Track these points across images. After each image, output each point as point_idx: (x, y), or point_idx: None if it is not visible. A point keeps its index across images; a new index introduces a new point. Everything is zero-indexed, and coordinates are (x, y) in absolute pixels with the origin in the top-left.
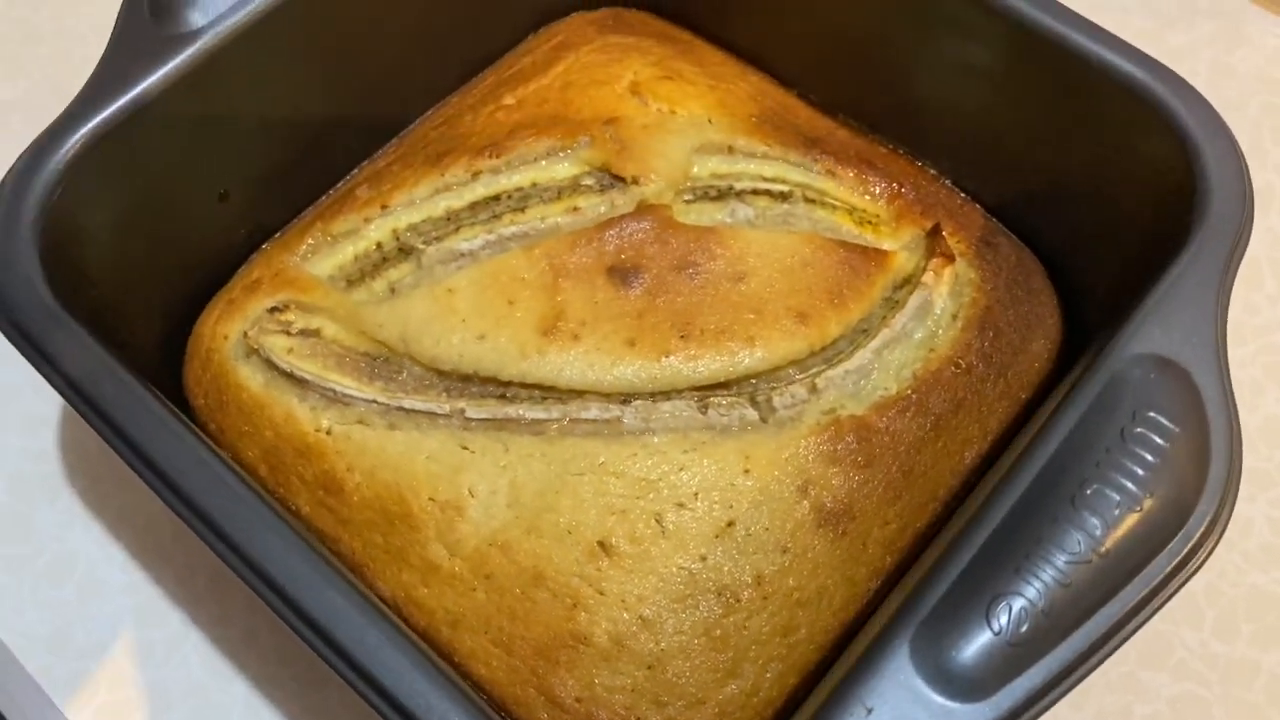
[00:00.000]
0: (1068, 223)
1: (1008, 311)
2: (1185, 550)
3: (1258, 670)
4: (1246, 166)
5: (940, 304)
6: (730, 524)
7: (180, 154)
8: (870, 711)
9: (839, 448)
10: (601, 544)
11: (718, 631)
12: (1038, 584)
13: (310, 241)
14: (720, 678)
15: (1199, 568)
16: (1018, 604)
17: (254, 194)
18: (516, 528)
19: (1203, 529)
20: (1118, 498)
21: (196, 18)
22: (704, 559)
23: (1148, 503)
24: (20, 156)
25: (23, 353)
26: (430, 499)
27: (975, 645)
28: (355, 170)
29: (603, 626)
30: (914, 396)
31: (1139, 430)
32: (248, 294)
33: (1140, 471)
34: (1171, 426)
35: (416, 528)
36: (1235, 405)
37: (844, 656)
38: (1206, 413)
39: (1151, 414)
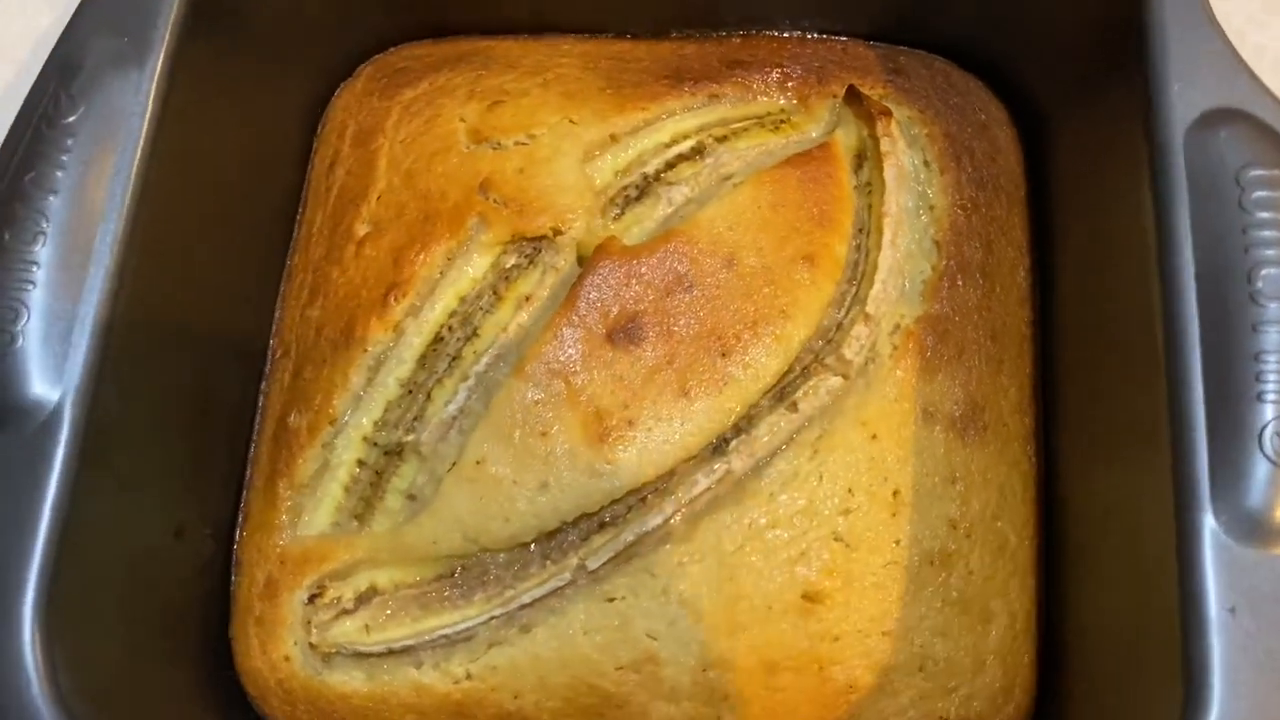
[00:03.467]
0: (955, 13)
1: (963, 127)
2: None
3: None
4: None
5: (908, 160)
6: (895, 493)
7: (121, 528)
8: (1234, 610)
9: (928, 356)
10: (805, 596)
11: (953, 594)
12: (1276, 393)
13: (287, 505)
14: (982, 630)
15: None
16: (1276, 425)
17: (195, 503)
18: (720, 636)
19: None
20: None
21: (47, 393)
22: (898, 543)
23: None
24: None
25: None
26: (618, 669)
27: (1273, 486)
28: (260, 402)
29: (857, 666)
30: (950, 263)
31: (1255, 194)
32: (271, 601)
33: None
34: (1273, 171)
35: (624, 703)
36: None
37: (1090, 542)
38: None
39: (1251, 172)
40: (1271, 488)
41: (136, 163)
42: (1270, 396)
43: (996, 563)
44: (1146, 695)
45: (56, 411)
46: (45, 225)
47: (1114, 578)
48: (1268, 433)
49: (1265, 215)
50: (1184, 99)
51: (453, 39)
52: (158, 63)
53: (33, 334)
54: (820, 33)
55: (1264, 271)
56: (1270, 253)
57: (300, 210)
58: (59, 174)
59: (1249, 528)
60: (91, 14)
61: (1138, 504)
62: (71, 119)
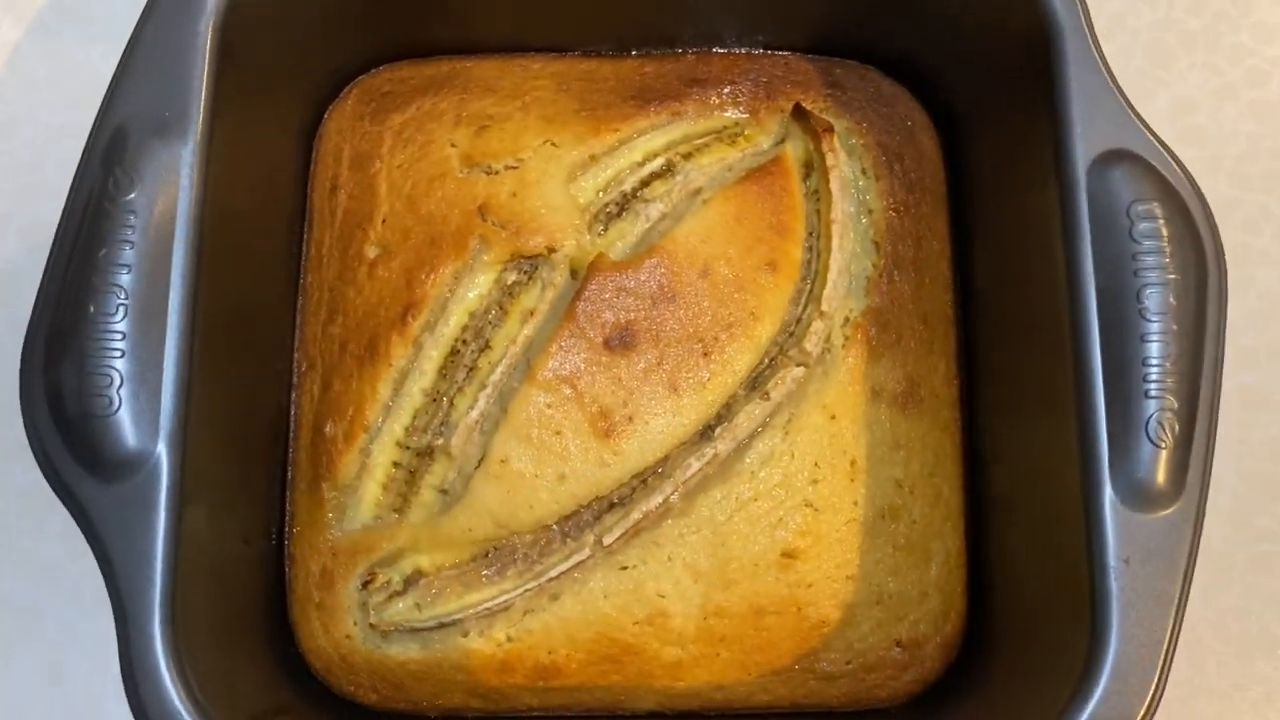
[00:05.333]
0: (885, 31)
1: (893, 135)
2: (1217, 281)
3: None
4: None
5: (849, 170)
6: (853, 463)
7: (212, 545)
8: (1129, 561)
9: (873, 344)
10: (785, 554)
11: (901, 540)
12: (1158, 390)
13: (331, 503)
14: (924, 568)
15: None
16: (1160, 416)
17: (254, 511)
18: (716, 591)
19: (1214, 251)
20: (1162, 287)
21: (146, 445)
22: (856, 504)
23: (1178, 271)
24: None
25: None
26: (634, 623)
27: (1156, 465)
28: (292, 411)
29: (827, 605)
30: (888, 261)
31: (1141, 226)
32: (327, 589)
33: (1163, 257)
34: (1154, 204)
35: (640, 650)
36: (1173, 152)
37: (1000, 501)
38: (1163, 174)
39: (1139, 206)
40: (1154, 466)
41: (190, 233)
42: (1153, 393)
43: (934, 512)
44: (1061, 620)
45: (157, 461)
46: (124, 298)
47: (1032, 527)
48: (1152, 423)
49: (1149, 244)
50: (1085, 140)
51: (431, 60)
52: (198, 131)
53: (127, 396)
54: (764, 48)
55: (1149, 291)
56: (1153, 275)
57: (306, 229)
58: (127, 248)
59: (1138, 496)
60: (129, 91)
61: (1051, 470)
62: (131, 195)
